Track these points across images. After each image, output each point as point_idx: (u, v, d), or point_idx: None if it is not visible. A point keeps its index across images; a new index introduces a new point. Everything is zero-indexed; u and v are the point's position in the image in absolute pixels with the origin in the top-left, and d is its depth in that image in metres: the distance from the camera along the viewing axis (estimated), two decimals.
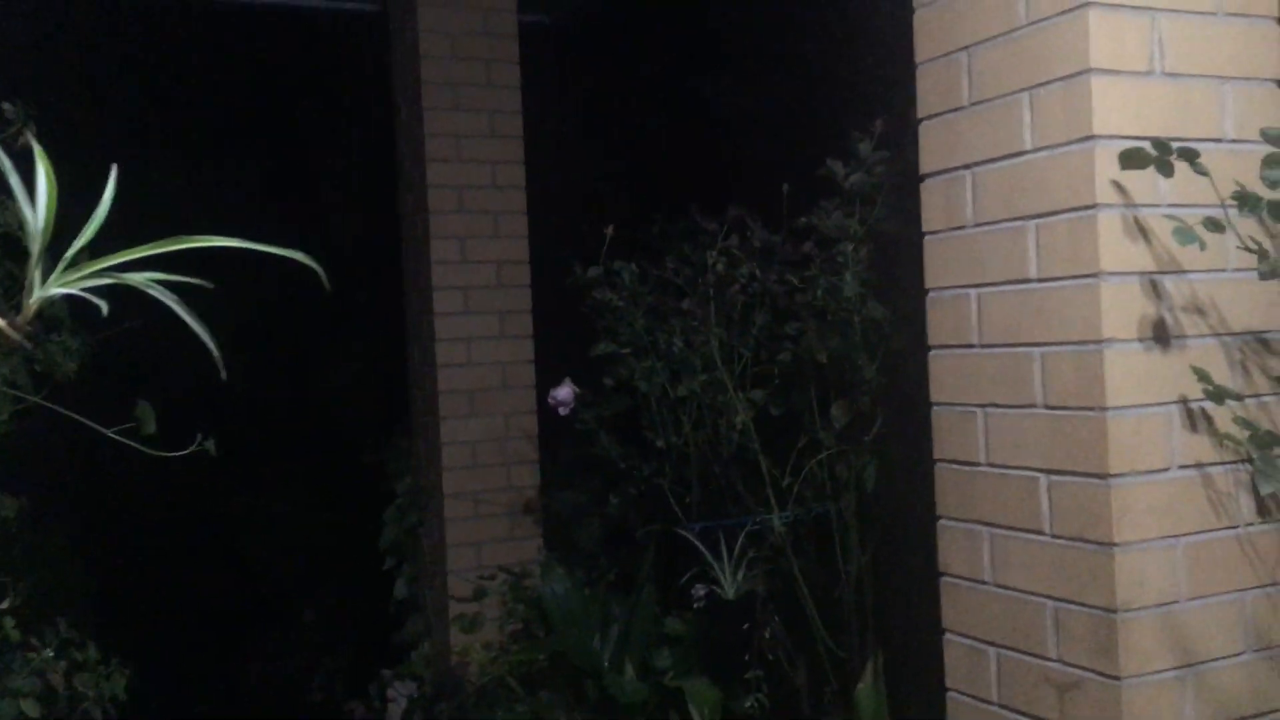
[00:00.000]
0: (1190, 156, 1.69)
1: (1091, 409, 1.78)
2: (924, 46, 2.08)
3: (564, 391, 3.64)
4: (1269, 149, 1.76)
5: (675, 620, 3.45)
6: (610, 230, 3.30)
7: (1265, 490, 1.81)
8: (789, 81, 3.81)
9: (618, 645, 3.52)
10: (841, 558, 2.93)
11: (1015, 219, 1.91)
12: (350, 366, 5.14)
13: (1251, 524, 1.85)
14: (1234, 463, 1.83)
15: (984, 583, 2.00)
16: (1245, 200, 1.71)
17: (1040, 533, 1.88)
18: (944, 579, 2.09)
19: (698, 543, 3.21)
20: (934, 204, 2.08)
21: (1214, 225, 1.72)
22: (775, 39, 4.09)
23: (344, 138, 5.29)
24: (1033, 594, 1.90)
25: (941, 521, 2.09)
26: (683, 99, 4.71)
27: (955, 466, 2.06)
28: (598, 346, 3.41)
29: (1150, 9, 1.79)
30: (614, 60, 5.10)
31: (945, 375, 2.08)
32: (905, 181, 2.15)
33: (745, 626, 3.12)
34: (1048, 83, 1.83)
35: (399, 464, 4.33)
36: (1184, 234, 1.70)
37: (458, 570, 4.12)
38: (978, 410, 2.00)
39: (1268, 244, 1.82)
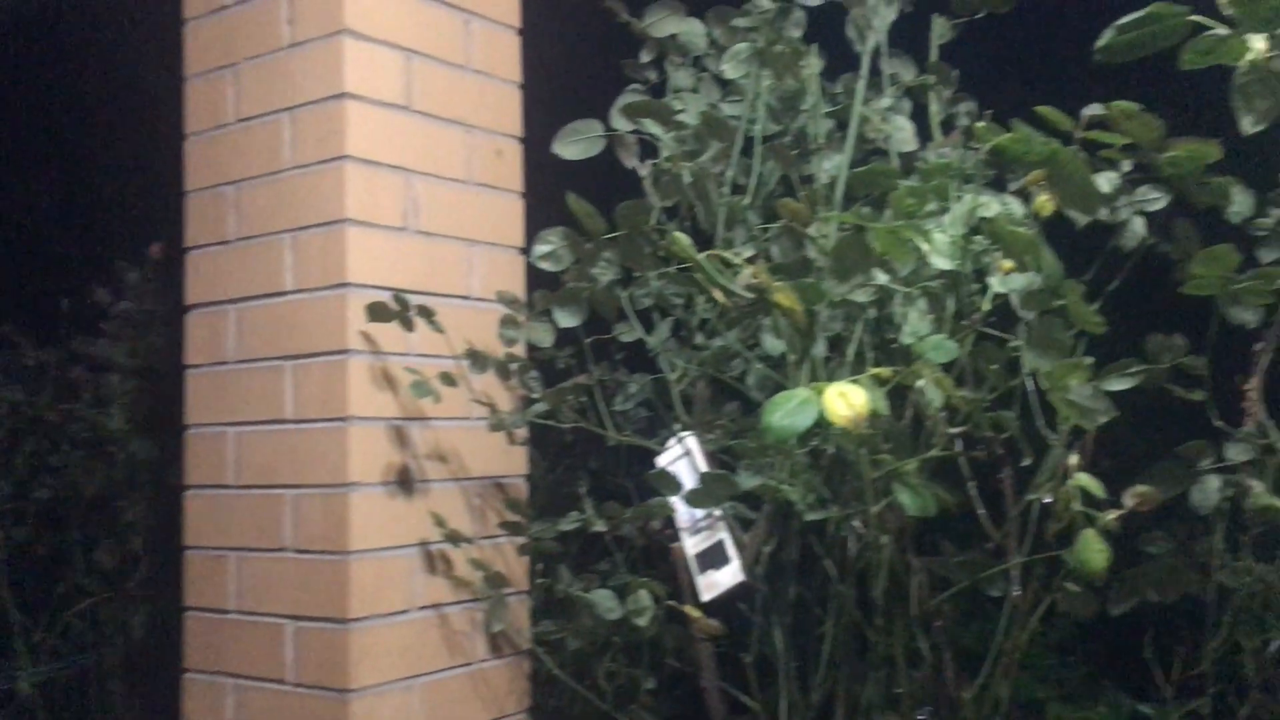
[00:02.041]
0: (427, 315, 1.80)
1: (336, 553, 1.78)
2: (194, 176, 2.02)
3: None
4: (506, 309, 1.94)
5: None
6: None
7: (495, 629, 1.93)
8: (87, 195, 3.54)
9: None
10: (102, 716, 2.64)
11: (275, 358, 1.89)
12: None
13: (485, 660, 1.95)
14: (469, 602, 1.92)
15: None
16: (476, 358, 1.85)
17: (283, 682, 1.82)
18: None
19: None
20: (198, 337, 2.00)
21: (448, 379, 1.83)
22: (71, 144, 3.79)
23: None
24: None
25: (187, 675, 1.96)
26: None
27: (205, 615, 1.95)
28: None
29: (405, 169, 1.90)
30: None
31: (200, 516, 1.97)
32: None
33: None
34: (308, 228, 1.85)
35: None
36: (420, 387, 1.78)
37: None
38: (230, 554, 1.92)
39: (503, 397, 1.98)
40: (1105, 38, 1.21)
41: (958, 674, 1.77)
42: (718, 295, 1.35)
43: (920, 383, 1.23)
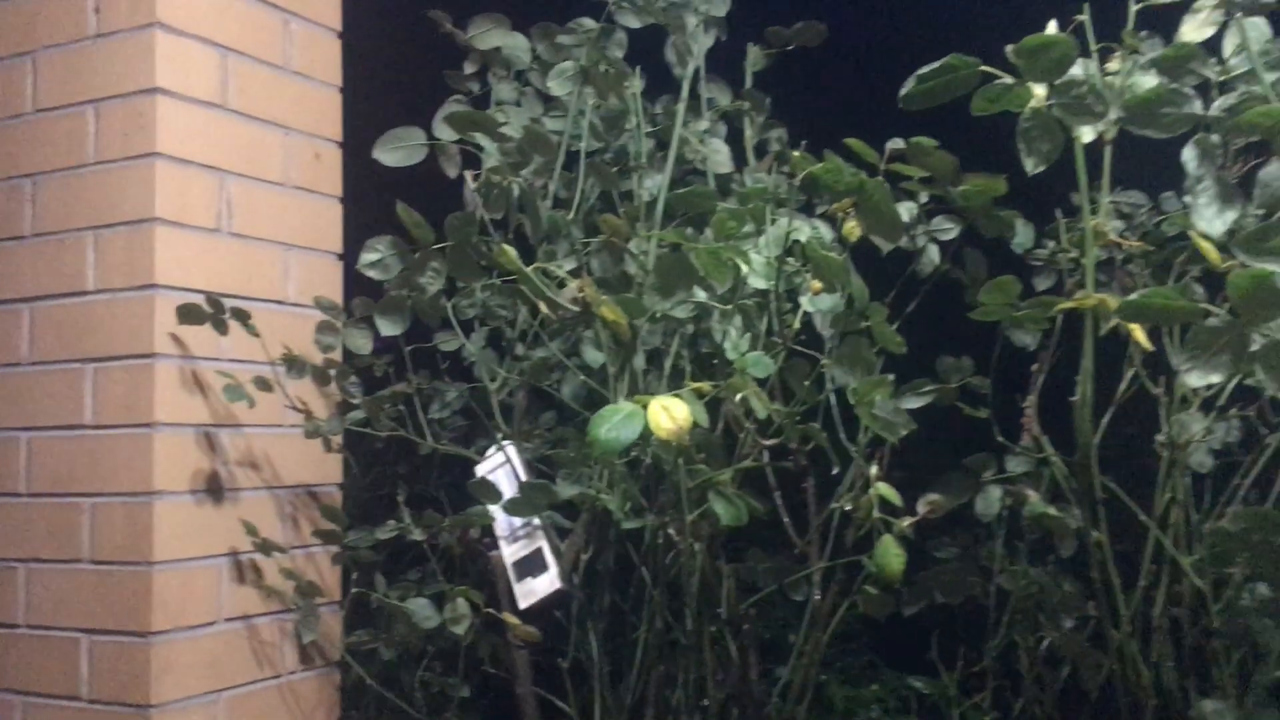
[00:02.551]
0: (242, 317, 1.76)
1: (138, 564, 1.72)
2: None
3: None
4: (324, 315, 1.91)
5: None
6: None
7: (307, 639, 1.89)
8: None
9: None
10: None
11: (74, 360, 1.80)
12: None
13: (295, 672, 1.92)
14: (280, 613, 1.89)
15: None
16: (292, 363, 1.82)
17: (78, 699, 1.74)
18: None
19: None
20: None
21: (264, 384, 1.80)
22: None
23: None
24: None
25: None
26: None
27: None
28: None
29: (220, 169, 1.85)
30: None
31: None
32: None
33: None
34: (113, 226, 1.78)
35: None
36: (234, 391, 1.74)
37: None
38: (20, 566, 1.82)
39: (318, 404, 1.95)
40: (908, 87, 1.30)
41: (761, 672, 1.86)
42: (543, 308, 1.38)
43: (740, 396, 1.29)
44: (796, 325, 1.39)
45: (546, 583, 1.74)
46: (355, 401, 1.86)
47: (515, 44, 2.05)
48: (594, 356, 1.76)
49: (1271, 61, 1.23)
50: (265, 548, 1.83)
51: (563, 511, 1.82)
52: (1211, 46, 1.40)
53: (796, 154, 1.33)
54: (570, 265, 1.81)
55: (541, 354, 1.83)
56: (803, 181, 1.35)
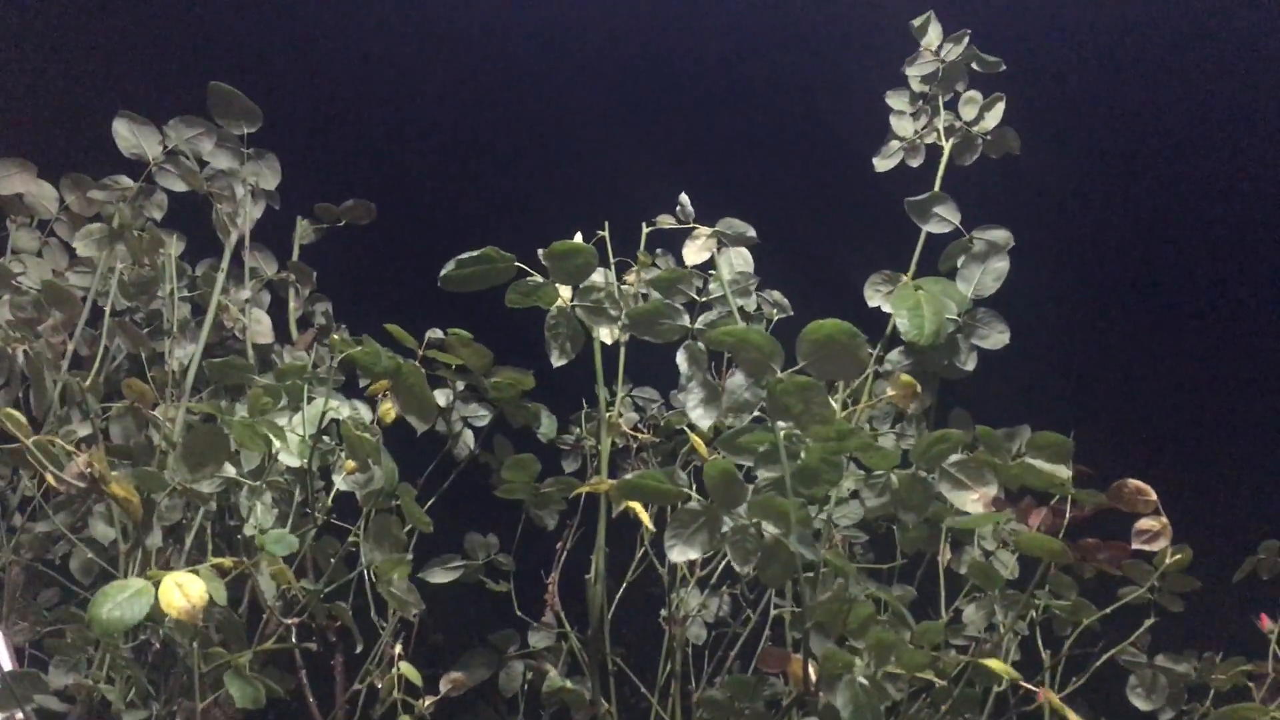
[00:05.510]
0: None
1: None
2: None
3: None
4: None
5: None
6: None
7: None
8: None
9: None
10: None
11: None
12: None
13: None
14: None
15: None
16: None
17: None
18: None
19: None
20: None
21: None
22: None
23: None
24: None
25: None
26: None
27: None
28: None
29: None
30: None
31: None
32: None
33: None
34: None
35: None
36: None
37: None
38: None
39: None
40: (447, 268, 1.39)
41: None
42: (50, 480, 1.27)
43: (261, 575, 1.26)
44: (329, 503, 1.39)
45: None
46: None
47: (41, 192, 1.92)
48: (103, 532, 1.64)
49: (740, 289, 1.46)
50: None
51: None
52: (706, 267, 1.62)
53: (336, 336, 1.36)
54: (85, 431, 1.69)
55: (44, 527, 1.67)
56: (342, 361, 1.37)
